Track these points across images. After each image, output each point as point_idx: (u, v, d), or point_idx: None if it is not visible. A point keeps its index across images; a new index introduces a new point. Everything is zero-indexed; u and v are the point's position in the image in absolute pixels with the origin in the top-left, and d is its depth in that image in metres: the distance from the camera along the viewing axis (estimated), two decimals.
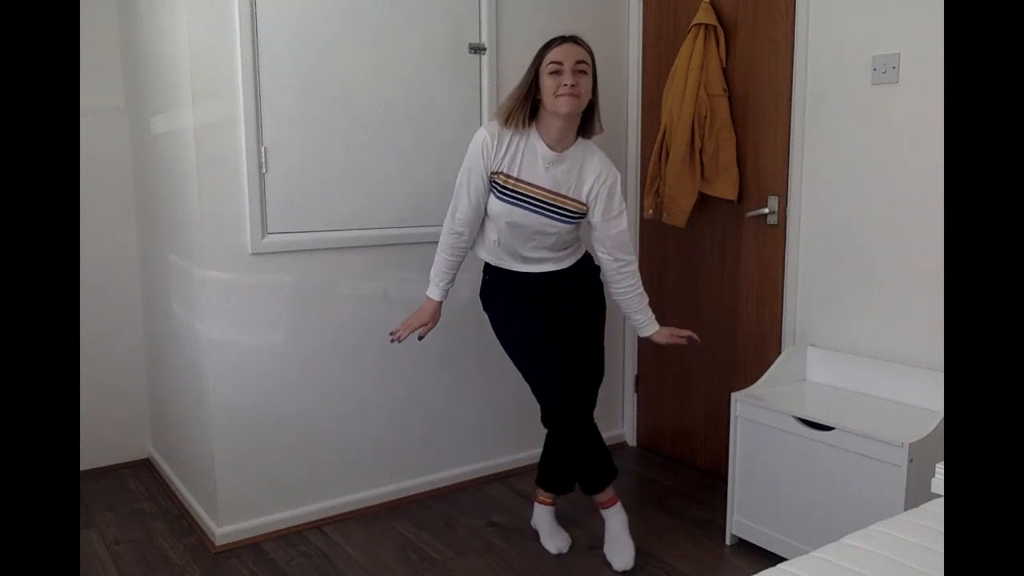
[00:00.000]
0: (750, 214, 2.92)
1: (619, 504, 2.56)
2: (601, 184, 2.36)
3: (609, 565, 2.49)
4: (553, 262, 2.45)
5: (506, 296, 2.49)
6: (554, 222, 2.34)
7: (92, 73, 3.13)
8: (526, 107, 2.31)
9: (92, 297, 3.20)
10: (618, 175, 2.41)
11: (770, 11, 2.81)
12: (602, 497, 2.55)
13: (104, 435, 3.28)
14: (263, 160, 2.57)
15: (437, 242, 2.44)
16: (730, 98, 2.93)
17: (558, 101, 2.25)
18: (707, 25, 2.91)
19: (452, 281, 2.49)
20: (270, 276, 2.64)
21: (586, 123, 2.37)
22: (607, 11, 3.29)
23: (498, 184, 2.33)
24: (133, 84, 3.11)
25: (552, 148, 2.32)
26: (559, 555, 2.57)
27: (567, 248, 2.46)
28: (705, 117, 2.91)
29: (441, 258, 2.46)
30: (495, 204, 2.35)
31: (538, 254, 2.41)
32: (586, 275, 2.53)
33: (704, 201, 3.02)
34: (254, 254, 2.59)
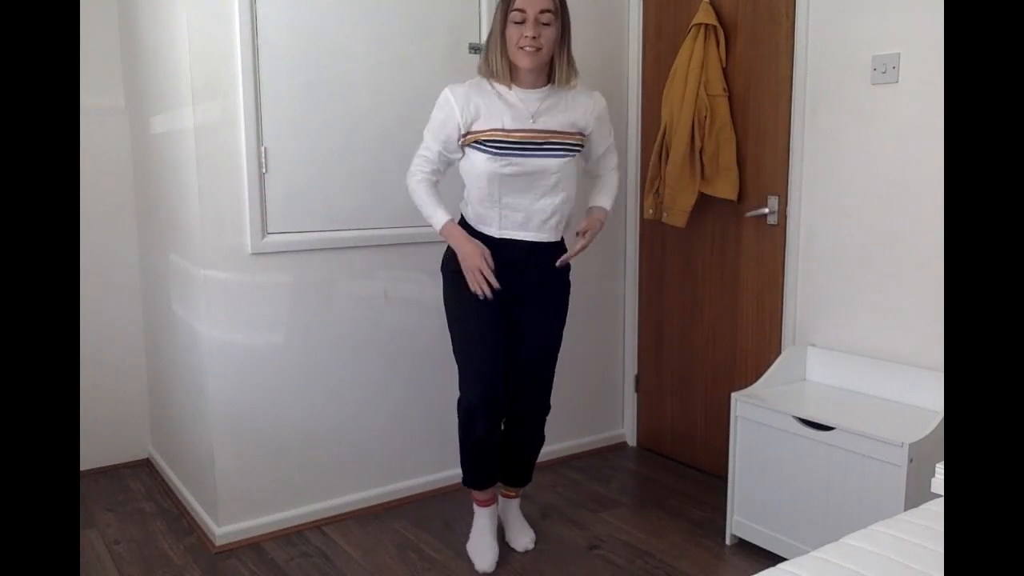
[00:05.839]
0: (750, 214, 2.92)
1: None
2: (590, 113, 2.32)
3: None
4: (538, 225, 2.33)
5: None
6: (552, 159, 2.27)
7: (92, 73, 3.13)
8: (499, 56, 2.23)
9: (92, 297, 3.20)
10: (604, 102, 2.37)
11: (770, 11, 2.81)
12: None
13: (104, 435, 3.28)
14: (263, 160, 2.57)
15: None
16: (730, 98, 2.93)
17: (519, 54, 2.19)
18: (707, 25, 2.91)
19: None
20: (270, 276, 2.64)
21: (553, 72, 2.27)
22: (607, 11, 3.29)
23: (486, 141, 2.24)
24: (133, 84, 3.11)
25: (529, 91, 2.27)
26: (524, 553, 2.59)
27: (563, 194, 2.34)
28: (705, 117, 2.91)
29: (426, 191, 2.34)
30: (487, 163, 2.24)
31: (536, 204, 2.31)
32: (560, 273, 2.44)
33: (704, 201, 3.02)
34: (254, 254, 2.59)
